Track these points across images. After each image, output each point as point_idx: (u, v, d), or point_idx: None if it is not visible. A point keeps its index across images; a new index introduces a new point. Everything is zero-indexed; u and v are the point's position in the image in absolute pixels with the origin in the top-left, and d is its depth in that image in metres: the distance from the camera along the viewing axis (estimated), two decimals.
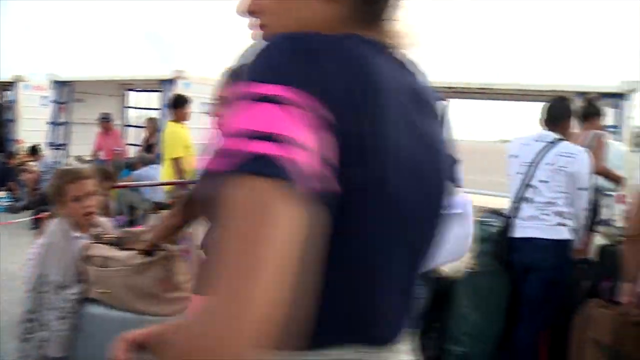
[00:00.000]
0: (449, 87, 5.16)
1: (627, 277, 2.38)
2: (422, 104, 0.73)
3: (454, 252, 1.62)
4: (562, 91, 5.21)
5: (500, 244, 2.91)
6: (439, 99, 0.78)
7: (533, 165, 2.85)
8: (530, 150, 2.88)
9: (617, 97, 4.98)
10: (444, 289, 2.99)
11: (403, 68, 0.73)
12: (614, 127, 5.05)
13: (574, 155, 2.81)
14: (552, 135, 2.90)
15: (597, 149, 4.05)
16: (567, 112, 2.97)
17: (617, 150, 4.24)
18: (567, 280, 2.85)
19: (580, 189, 2.83)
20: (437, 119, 0.76)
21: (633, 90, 4.86)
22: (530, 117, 2.99)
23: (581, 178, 2.82)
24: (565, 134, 2.95)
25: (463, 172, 0.93)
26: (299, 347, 0.60)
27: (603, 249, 2.93)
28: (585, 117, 4.20)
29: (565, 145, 2.86)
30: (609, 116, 5.24)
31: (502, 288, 2.93)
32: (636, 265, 2.34)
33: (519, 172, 2.90)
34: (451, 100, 6.45)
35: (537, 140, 2.92)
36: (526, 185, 2.85)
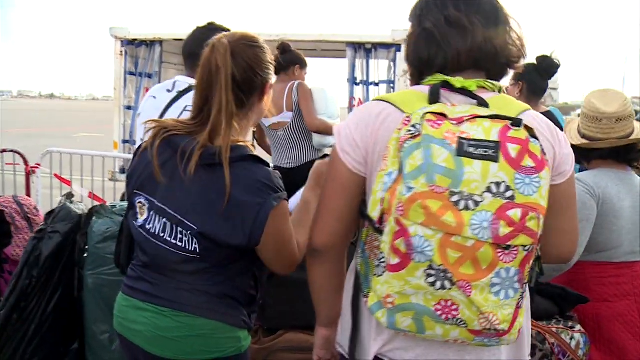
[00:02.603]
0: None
1: (319, 317, 1.36)
2: None
3: None
4: (333, 42, 4.69)
5: None
6: None
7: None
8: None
9: (390, 48, 4.51)
10: None
11: None
12: (390, 82, 4.59)
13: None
14: (189, 82, 2.28)
15: (302, 100, 3.48)
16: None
17: (332, 98, 3.71)
18: None
19: None
20: None
21: (405, 40, 4.38)
22: None
23: None
24: None
25: None
26: None
27: None
28: (283, 67, 3.59)
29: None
30: (385, 69, 4.80)
31: None
32: (331, 296, 1.30)
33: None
34: None
35: (169, 90, 2.28)
36: None
